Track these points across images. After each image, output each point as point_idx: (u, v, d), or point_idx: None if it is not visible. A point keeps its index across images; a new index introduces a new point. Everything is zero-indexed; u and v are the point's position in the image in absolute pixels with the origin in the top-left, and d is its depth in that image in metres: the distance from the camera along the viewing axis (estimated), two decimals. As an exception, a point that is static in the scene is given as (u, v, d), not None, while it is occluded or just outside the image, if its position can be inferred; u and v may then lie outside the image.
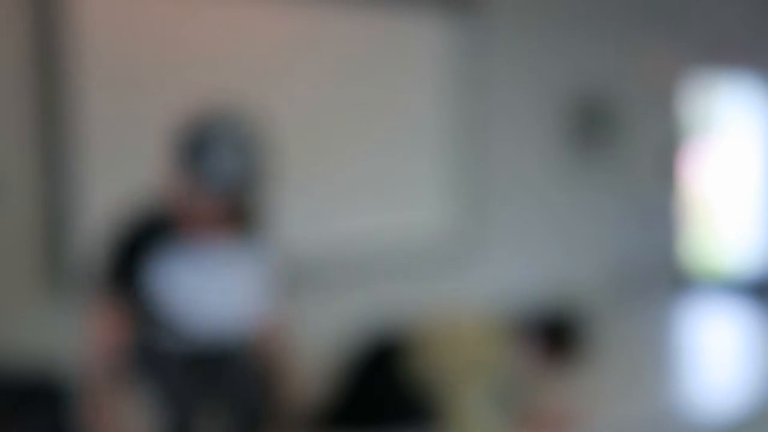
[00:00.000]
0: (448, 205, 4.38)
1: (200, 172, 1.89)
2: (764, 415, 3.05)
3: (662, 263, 5.49)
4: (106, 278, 2.02)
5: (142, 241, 1.98)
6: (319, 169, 3.90)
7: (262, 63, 3.70)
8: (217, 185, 1.89)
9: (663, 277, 5.45)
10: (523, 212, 4.77)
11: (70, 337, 3.12)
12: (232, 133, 1.95)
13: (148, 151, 3.41)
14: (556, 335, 2.63)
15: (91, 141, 3.20)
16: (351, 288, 3.95)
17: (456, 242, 4.36)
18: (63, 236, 3.14)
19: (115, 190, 3.29)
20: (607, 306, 4.96)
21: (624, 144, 5.23)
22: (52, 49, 3.09)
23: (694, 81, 5.60)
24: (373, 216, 4.12)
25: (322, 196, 3.90)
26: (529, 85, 4.81)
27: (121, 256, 2.01)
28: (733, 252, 6.08)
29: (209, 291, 1.98)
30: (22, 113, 3.07)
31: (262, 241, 2.13)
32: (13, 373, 2.04)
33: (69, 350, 2.92)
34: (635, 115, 5.27)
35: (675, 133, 5.57)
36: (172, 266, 1.95)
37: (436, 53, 4.31)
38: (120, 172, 3.30)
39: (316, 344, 3.43)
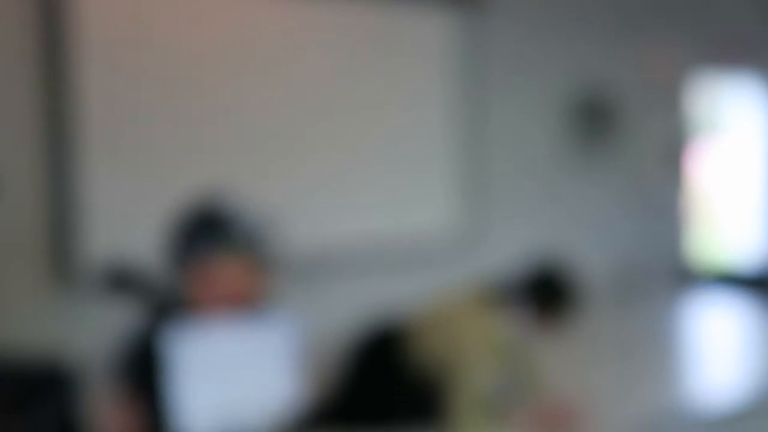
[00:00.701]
0: (451, 199, 4.40)
1: (218, 238, 1.86)
2: (766, 408, 3.06)
3: (666, 259, 5.50)
4: (119, 377, 1.94)
5: (155, 333, 1.87)
6: (323, 162, 3.92)
7: (265, 58, 3.71)
8: (239, 244, 1.87)
9: (667, 272, 5.46)
10: (526, 207, 4.79)
11: (77, 328, 3.15)
12: (234, 204, 1.97)
13: (154, 145, 3.44)
14: (545, 294, 2.63)
15: (97, 134, 3.22)
16: (352, 282, 3.97)
17: (458, 236, 4.37)
18: (69, 229, 3.16)
19: (120, 183, 3.31)
20: (610, 300, 4.98)
21: (628, 140, 5.24)
22: (55, 45, 3.10)
23: (698, 79, 5.60)
24: (376, 210, 4.13)
25: (324, 188, 3.91)
26: (533, 81, 4.82)
27: (133, 358, 1.92)
28: (736, 248, 6.09)
29: (232, 384, 1.78)
30: (25, 107, 3.08)
31: (283, 313, 2.00)
32: (21, 364, 2.06)
33: (75, 341, 2.95)
34: (639, 112, 5.28)
35: (679, 130, 5.57)
36: (188, 357, 1.75)
37: (439, 49, 4.32)
38: (125, 165, 3.32)
39: (319, 335, 3.45)
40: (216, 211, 1.94)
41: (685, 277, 5.52)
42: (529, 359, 2.85)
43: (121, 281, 1.87)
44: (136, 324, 1.98)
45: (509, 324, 2.63)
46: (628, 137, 5.23)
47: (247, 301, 1.90)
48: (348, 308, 3.47)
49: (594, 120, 5.04)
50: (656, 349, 3.84)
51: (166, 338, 1.74)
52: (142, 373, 1.89)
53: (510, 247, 4.63)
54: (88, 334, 2.90)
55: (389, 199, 4.17)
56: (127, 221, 3.31)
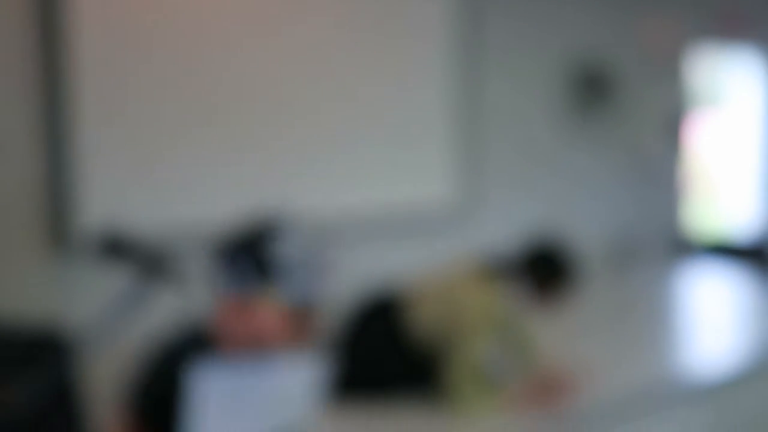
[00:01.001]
0: (448, 170, 4.38)
1: (268, 280, 1.72)
2: (760, 377, 3.09)
3: (663, 229, 5.51)
4: (132, 405, 1.87)
5: (176, 366, 1.77)
6: (322, 134, 3.89)
7: (263, 30, 3.67)
8: (289, 292, 1.73)
9: (663, 242, 5.47)
10: (523, 177, 4.77)
11: (74, 293, 3.15)
12: (292, 237, 1.80)
13: (152, 111, 3.41)
14: (542, 268, 2.64)
15: (95, 99, 3.19)
16: (351, 252, 3.97)
17: (456, 206, 4.36)
18: (66, 194, 3.14)
19: (119, 148, 3.29)
20: (607, 270, 4.99)
21: (626, 112, 5.21)
22: (52, 7, 3.06)
23: (697, 51, 5.56)
24: (374, 181, 4.12)
25: (322, 159, 3.90)
26: (530, 52, 4.78)
27: (153, 383, 1.85)
28: (732, 218, 6.10)
29: (249, 424, 1.66)
30: (21, 72, 3.05)
31: (318, 351, 1.89)
32: (18, 329, 2.05)
33: (72, 307, 2.95)
34: (638, 84, 5.25)
35: (678, 102, 5.55)
36: (208, 394, 1.61)
37: (436, 20, 4.27)
38: (124, 131, 3.30)
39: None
40: (271, 245, 1.78)
41: (681, 248, 5.53)
42: (525, 332, 2.86)
43: (116, 247, 1.85)
44: (155, 353, 1.89)
45: (507, 296, 2.63)
46: (626, 109, 5.20)
47: (284, 344, 1.77)
48: (346, 279, 3.47)
49: (592, 92, 5.01)
50: (652, 319, 3.85)
51: (188, 372, 1.63)
52: (158, 405, 1.80)
53: (507, 218, 4.63)
54: (84, 300, 2.90)
55: (387, 170, 4.15)
56: (124, 187, 3.29)
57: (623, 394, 2.68)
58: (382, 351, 2.67)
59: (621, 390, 2.72)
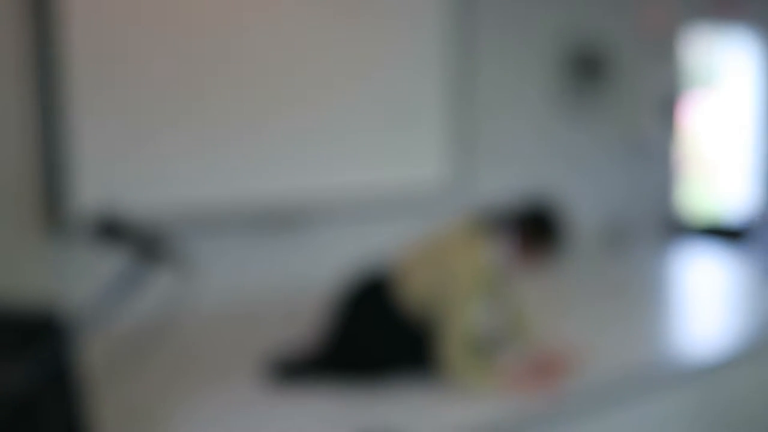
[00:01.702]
0: (441, 151, 4.38)
1: None
2: (752, 355, 3.12)
3: (655, 209, 5.53)
4: None
5: None
6: (318, 114, 3.89)
7: (259, 8, 3.65)
8: None
9: (656, 222, 5.50)
10: (517, 157, 4.78)
11: (69, 274, 3.16)
12: None
13: (144, 95, 3.40)
14: (531, 223, 2.63)
15: (87, 85, 3.17)
16: (345, 230, 3.98)
17: (450, 185, 4.37)
18: (60, 176, 3.14)
19: (111, 130, 3.28)
20: (599, 250, 5.02)
21: (621, 91, 5.21)
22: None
23: (692, 32, 5.55)
24: (368, 160, 4.12)
25: (316, 139, 3.89)
26: (524, 31, 4.76)
27: None
28: (725, 199, 6.13)
29: None
30: (14, 52, 3.03)
31: None
32: (14, 311, 2.06)
33: (67, 287, 2.95)
34: (633, 63, 5.24)
35: (672, 83, 5.55)
36: None
37: (429, 0, 4.26)
38: (117, 114, 3.29)
39: (311, 281, 3.47)
40: None
41: (674, 228, 5.56)
42: (516, 301, 2.87)
43: (111, 229, 1.85)
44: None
45: (497, 256, 2.61)
46: (620, 89, 5.20)
47: None
48: (339, 256, 3.48)
49: (585, 73, 5.00)
50: (644, 298, 3.88)
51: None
52: None
53: (501, 198, 4.64)
54: (79, 281, 2.91)
55: (381, 152, 4.16)
56: (116, 168, 3.29)
57: (611, 376, 2.71)
58: (376, 331, 2.68)
59: (611, 368, 2.74)
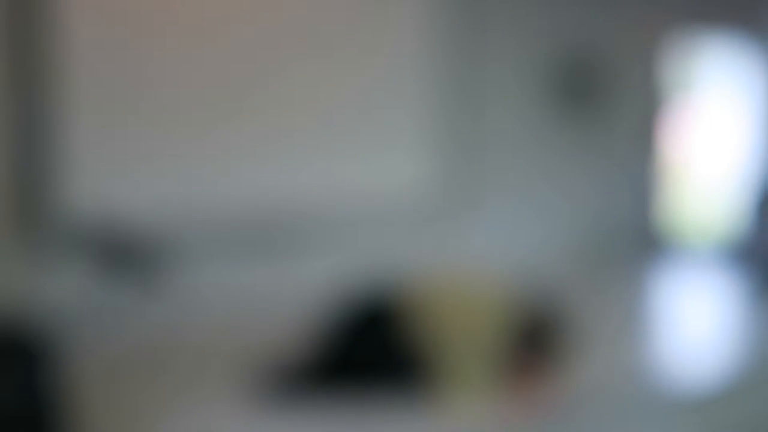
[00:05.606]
0: (428, 159, 4.36)
1: None
2: (740, 383, 3.07)
3: (639, 224, 5.49)
4: None
5: None
6: (304, 121, 3.86)
7: (243, 18, 3.63)
8: None
9: (640, 238, 5.46)
10: (502, 172, 4.77)
11: (43, 291, 3.08)
12: None
13: (132, 105, 3.34)
14: (536, 343, 2.63)
15: (83, 88, 3.14)
16: (336, 244, 3.95)
17: (434, 204, 4.35)
18: (39, 188, 3.08)
19: (94, 139, 3.23)
20: (583, 267, 4.97)
21: (606, 103, 5.18)
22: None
23: (678, 41, 5.52)
24: (361, 171, 4.10)
25: (306, 147, 3.87)
26: (512, 42, 4.75)
27: None
28: (710, 215, 6.07)
29: None
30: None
31: None
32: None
33: (42, 303, 2.90)
34: (618, 73, 5.21)
35: (657, 92, 5.51)
36: None
37: (422, 5, 4.22)
38: (100, 119, 3.24)
39: (306, 286, 3.43)
40: None
41: (658, 244, 5.53)
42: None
43: (117, 254, 1.81)
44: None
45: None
46: (607, 100, 5.18)
47: None
48: (333, 272, 3.45)
49: (574, 82, 4.97)
50: (630, 316, 3.83)
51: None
52: None
53: (484, 212, 4.62)
54: (55, 293, 2.84)
55: (368, 157, 4.15)
56: (97, 174, 3.24)
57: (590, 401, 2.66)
58: (376, 349, 2.64)
59: (598, 396, 2.70)
